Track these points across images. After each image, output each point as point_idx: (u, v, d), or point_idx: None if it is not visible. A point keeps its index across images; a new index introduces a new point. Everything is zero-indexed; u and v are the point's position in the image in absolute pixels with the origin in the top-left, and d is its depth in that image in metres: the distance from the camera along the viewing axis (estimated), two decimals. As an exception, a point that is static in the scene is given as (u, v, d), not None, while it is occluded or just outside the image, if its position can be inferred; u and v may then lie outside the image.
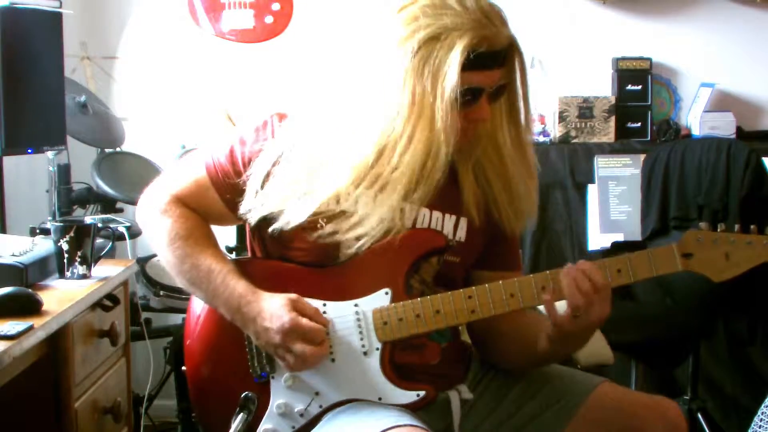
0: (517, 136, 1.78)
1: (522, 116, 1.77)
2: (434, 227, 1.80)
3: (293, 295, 1.74)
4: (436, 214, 1.81)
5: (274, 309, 1.72)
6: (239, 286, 1.75)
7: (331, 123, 1.74)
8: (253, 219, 1.78)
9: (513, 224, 1.83)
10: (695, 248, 1.73)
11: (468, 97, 1.66)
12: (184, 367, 1.88)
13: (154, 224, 1.84)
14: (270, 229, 1.76)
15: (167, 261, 1.82)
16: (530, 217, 1.85)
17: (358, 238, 1.72)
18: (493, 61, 1.67)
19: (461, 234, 1.82)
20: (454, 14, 1.63)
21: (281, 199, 1.74)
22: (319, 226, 1.74)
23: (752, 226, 1.74)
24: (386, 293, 1.76)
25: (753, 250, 1.73)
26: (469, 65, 1.63)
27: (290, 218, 1.73)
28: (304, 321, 1.71)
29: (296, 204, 1.73)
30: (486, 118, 1.70)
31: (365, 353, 1.75)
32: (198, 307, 1.87)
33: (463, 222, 1.82)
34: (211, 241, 1.83)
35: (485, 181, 1.80)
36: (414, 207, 1.74)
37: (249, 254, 1.94)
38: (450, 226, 1.82)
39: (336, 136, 1.72)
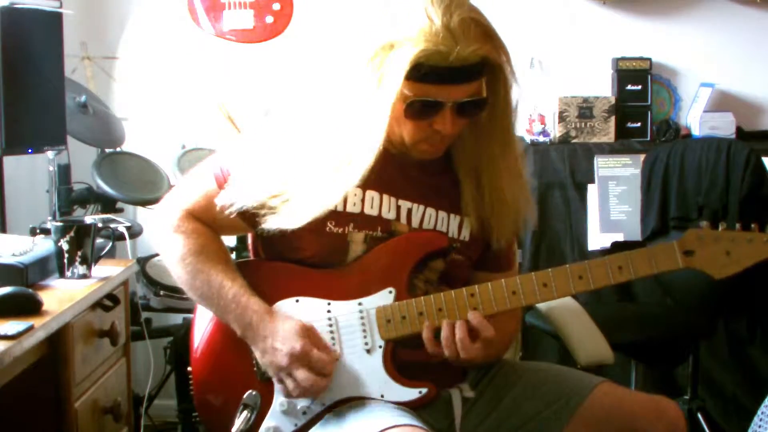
0: (506, 150, 1.80)
1: (508, 131, 1.79)
2: (440, 226, 1.83)
3: (308, 324, 1.75)
4: (442, 213, 1.83)
5: (287, 332, 1.73)
6: (252, 302, 1.77)
7: (309, 122, 1.77)
8: (231, 210, 1.78)
9: (500, 234, 1.85)
10: (696, 245, 1.74)
11: (423, 109, 1.68)
12: (189, 368, 1.88)
13: (166, 241, 1.84)
14: (259, 231, 1.78)
15: (179, 277, 1.83)
16: (520, 229, 1.87)
17: (281, 224, 1.73)
18: (448, 77, 1.65)
19: (465, 234, 1.84)
20: (417, 26, 1.63)
21: (257, 196, 1.75)
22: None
23: (753, 224, 1.75)
24: (390, 292, 1.77)
25: (753, 248, 1.74)
26: (420, 77, 1.64)
27: (281, 224, 1.74)
28: (315, 351, 1.72)
29: (285, 209, 1.74)
30: (447, 131, 1.71)
31: (368, 351, 1.77)
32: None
33: (467, 222, 1.84)
34: (223, 257, 1.84)
35: (480, 189, 1.82)
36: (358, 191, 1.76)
37: (252, 256, 1.95)
38: (455, 226, 1.84)
39: (311, 135, 1.75)
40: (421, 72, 1.63)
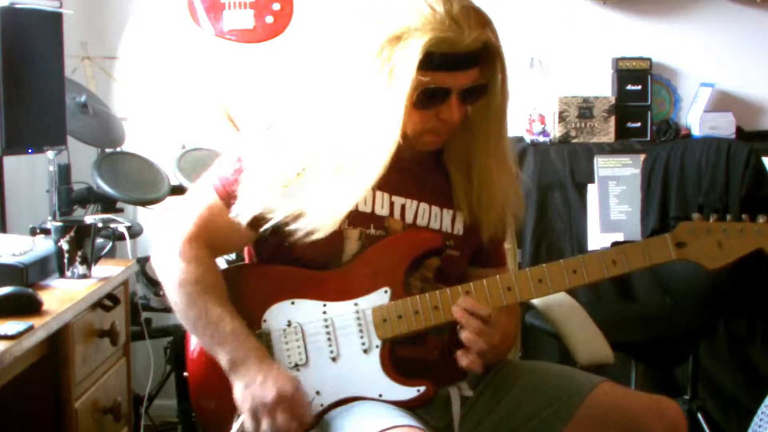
0: (499, 139, 1.80)
1: (503, 121, 1.79)
2: (433, 222, 1.83)
3: (300, 381, 1.73)
4: (435, 208, 1.84)
5: (282, 376, 1.71)
6: (252, 341, 1.75)
7: (311, 123, 1.77)
8: (243, 220, 1.78)
9: (488, 226, 1.86)
10: (688, 237, 1.77)
11: (433, 98, 1.69)
12: (186, 373, 1.87)
13: (166, 265, 1.82)
14: (264, 230, 1.77)
15: (174, 302, 1.81)
16: (509, 223, 1.89)
17: (310, 233, 1.73)
18: (457, 64, 1.67)
19: (459, 228, 1.86)
20: (420, 16, 1.65)
21: (269, 201, 1.75)
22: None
23: (744, 215, 1.77)
24: (385, 292, 1.78)
25: (744, 238, 1.76)
26: (430, 66, 1.65)
27: (308, 236, 1.74)
28: (302, 404, 1.71)
29: (307, 220, 1.73)
30: (454, 119, 1.72)
31: (365, 351, 1.77)
32: None
33: (460, 216, 1.85)
34: (220, 290, 1.81)
35: (471, 182, 1.83)
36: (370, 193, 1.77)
37: (246, 258, 1.95)
38: (448, 221, 1.85)
39: (316, 136, 1.75)
40: (431, 61, 1.65)
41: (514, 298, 1.77)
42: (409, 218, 1.82)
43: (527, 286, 1.76)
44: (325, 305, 1.78)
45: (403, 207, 1.82)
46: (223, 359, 1.75)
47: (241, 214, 1.77)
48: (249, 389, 1.71)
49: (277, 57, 3.71)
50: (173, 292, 1.81)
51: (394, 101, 1.66)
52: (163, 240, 1.85)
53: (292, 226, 1.74)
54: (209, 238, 1.83)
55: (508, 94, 1.77)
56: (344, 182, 1.72)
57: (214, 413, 1.83)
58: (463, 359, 1.73)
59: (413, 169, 1.83)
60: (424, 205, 1.83)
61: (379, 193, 1.80)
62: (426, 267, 1.83)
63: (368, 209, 1.80)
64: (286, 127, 1.81)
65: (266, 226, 1.76)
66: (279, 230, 1.77)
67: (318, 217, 1.73)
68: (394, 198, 1.82)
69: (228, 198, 1.80)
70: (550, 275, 1.77)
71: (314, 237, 1.73)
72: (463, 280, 1.82)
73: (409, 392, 1.76)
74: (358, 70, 1.71)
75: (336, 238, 1.78)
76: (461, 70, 1.69)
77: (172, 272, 1.81)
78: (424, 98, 1.69)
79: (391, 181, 1.77)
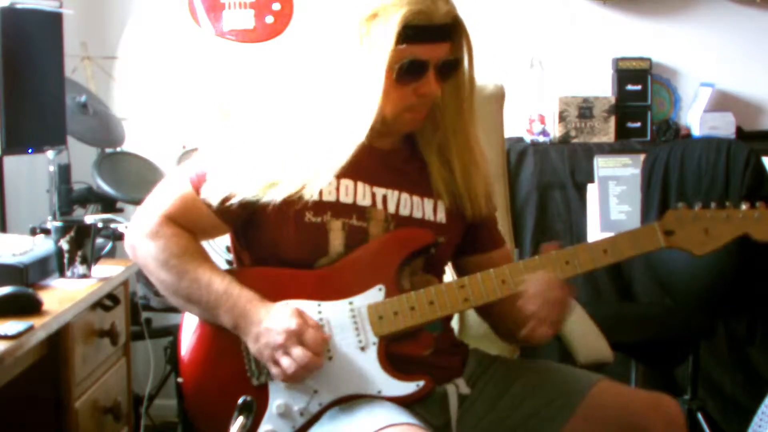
0: (471, 119, 1.85)
1: (473, 98, 1.84)
2: (416, 211, 1.85)
3: (298, 308, 1.76)
4: (416, 198, 1.86)
5: (280, 313, 1.74)
6: (244, 292, 1.77)
7: (291, 104, 1.82)
8: (214, 200, 1.78)
9: (475, 201, 1.88)
10: (676, 225, 1.80)
11: (412, 71, 1.73)
12: (180, 379, 1.87)
13: (145, 248, 1.82)
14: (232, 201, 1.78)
15: (162, 281, 1.81)
16: (492, 195, 1.95)
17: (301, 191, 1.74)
18: (433, 35, 1.73)
19: (441, 216, 1.87)
20: None
21: (241, 180, 1.77)
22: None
23: (728, 203, 1.81)
24: (380, 289, 1.79)
25: (730, 224, 1.80)
26: (407, 38, 1.70)
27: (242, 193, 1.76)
28: (310, 329, 1.73)
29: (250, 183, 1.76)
30: (433, 92, 1.76)
31: (362, 348, 1.77)
32: (193, 316, 1.86)
33: (441, 204, 1.87)
34: (206, 257, 1.84)
35: (449, 162, 1.86)
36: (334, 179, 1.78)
37: (234, 262, 1.95)
38: (430, 209, 1.87)
39: (294, 115, 1.79)
40: (409, 33, 1.70)
41: (508, 290, 1.79)
42: (391, 208, 1.83)
43: (521, 279, 1.78)
44: (320, 305, 1.79)
45: (384, 197, 1.83)
46: (224, 319, 1.77)
47: (214, 192, 1.78)
48: (259, 342, 1.73)
49: (277, 57, 3.71)
50: (159, 272, 1.81)
51: (375, 73, 1.70)
52: (139, 224, 1.85)
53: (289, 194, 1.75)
54: (183, 222, 1.84)
55: (475, 75, 1.81)
56: (327, 145, 1.74)
57: (212, 417, 1.81)
58: (533, 332, 1.76)
59: (392, 161, 1.85)
60: (405, 195, 1.85)
61: (360, 184, 1.82)
62: (416, 262, 1.84)
63: (350, 200, 1.81)
64: (264, 110, 1.85)
65: (270, 197, 1.76)
66: (262, 222, 1.79)
67: (307, 177, 1.74)
68: (375, 189, 1.83)
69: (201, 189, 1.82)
70: (542, 267, 1.79)
71: (305, 192, 1.74)
72: (456, 267, 1.88)
73: (408, 387, 1.76)
74: (337, 50, 1.75)
75: (319, 230, 1.79)
76: (437, 42, 1.73)
77: (154, 253, 1.80)
78: (403, 72, 1.72)
79: (371, 173, 1.79)
